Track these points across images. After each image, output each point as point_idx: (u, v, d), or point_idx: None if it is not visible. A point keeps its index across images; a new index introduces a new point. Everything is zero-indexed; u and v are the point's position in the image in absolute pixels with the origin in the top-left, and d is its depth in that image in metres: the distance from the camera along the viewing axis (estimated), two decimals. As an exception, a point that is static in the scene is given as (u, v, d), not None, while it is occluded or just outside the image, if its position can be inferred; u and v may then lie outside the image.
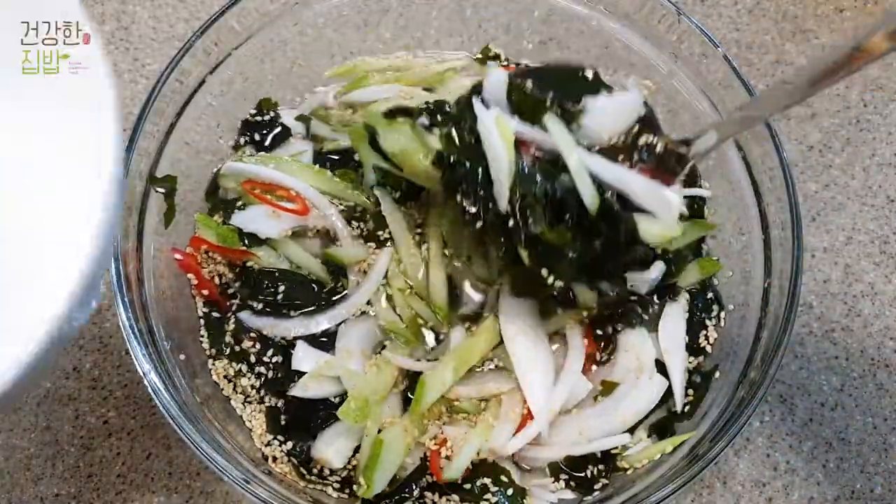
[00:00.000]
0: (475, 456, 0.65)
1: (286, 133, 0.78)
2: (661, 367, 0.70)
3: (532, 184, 0.59)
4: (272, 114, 0.79)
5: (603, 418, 0.68)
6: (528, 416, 0.66)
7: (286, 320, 0.70)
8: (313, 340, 0.70)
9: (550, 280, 0.62)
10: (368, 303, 0.72)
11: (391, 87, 0.80)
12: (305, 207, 0.72)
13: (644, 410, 0.68)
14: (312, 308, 0.71)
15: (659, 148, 0.60)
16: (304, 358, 0.69)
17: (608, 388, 0.69)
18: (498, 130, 0.60)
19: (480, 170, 0.61)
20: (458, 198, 0.64)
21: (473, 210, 0.63)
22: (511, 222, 0.60)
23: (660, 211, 0.59)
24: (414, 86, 0.82)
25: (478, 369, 0.70)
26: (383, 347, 0.70)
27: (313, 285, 0.72)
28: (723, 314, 0.74)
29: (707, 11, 0.98)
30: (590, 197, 0.57)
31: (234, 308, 0.72)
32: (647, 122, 0.61)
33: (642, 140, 0.60)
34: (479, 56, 0.85)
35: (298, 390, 0.67)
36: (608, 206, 0.58)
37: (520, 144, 0.60)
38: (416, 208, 0.75)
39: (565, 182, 0.58)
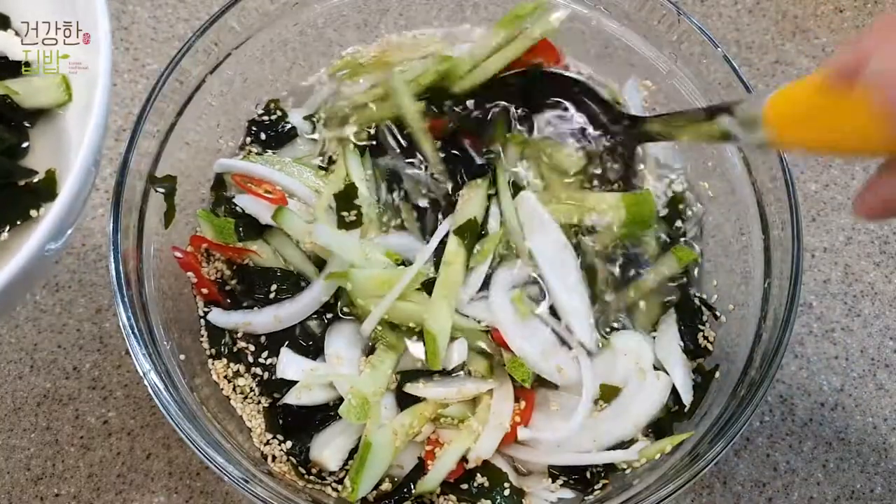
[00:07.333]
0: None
1: (293, 133, 0.78)
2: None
3: None
4: (279, 113, 0.78)
5: (615, 422, 0.67)
6: (518, 423, 0.66)
7: (257, 314, 0.69)
8: (297, 346, 0.69)
9: None
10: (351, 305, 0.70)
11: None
12: (283, 197, 0.71)
13: (654, 410, 0.68)
14: (273, 299, 0.70)
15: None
16: (288, 365, 0.68)
17: (608, 393, 0.68)
18: None
19: None
20: None
21: None
22: None
23: None
24: None
25: (454, 374, 0.68)
26: (373, 350, 0.69)
27: (303, 283, 0.71)
28: (719, 315, 0.73)
29: (707, 11, 0.98)
30: None
31: (228, 306, 0.71)
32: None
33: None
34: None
35: (292, 398, 0.67)
36: None
37: None
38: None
39: None
